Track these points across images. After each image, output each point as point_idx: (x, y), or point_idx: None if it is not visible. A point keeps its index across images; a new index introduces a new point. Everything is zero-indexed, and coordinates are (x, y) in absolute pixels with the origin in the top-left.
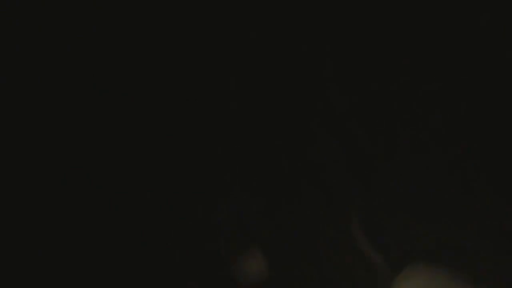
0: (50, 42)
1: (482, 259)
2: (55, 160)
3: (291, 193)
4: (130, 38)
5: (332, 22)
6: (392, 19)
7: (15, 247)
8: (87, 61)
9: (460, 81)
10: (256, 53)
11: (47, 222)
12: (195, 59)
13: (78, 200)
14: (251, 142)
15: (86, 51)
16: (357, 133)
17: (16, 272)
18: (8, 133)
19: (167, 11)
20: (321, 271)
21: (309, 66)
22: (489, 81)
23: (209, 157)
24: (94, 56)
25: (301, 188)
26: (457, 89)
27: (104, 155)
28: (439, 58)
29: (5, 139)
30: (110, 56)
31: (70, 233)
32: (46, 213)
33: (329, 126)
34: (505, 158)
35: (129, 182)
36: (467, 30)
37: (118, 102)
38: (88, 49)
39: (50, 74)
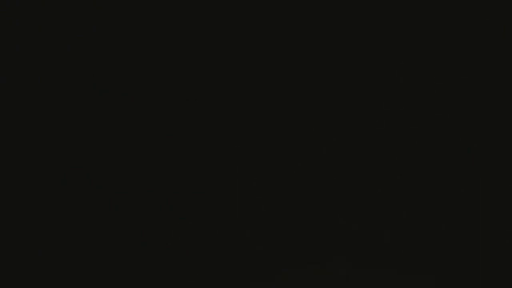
0: (50, 42)
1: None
2: (55, 160)
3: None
4: (130, 38)
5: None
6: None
7: (15, 247)
8: (87, 61)
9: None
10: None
11: (47, 222)
12: (195, 59)
13: (78, 200)
14: (251, 143)
15: (86, 51)
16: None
17: (16, 272)
18: (8, 133)
19: (167, 11)
20: None
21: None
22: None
23: (210, 158)
24: (94, 56)
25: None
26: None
27: (104, 155)
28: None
29: (5, 139)
30: (110, 56)
31: (70, 233)
32: (46, 213)
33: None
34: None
35: (129, 182)
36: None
37: (118, 102)
38: (88, 49)
39: (50, 74)
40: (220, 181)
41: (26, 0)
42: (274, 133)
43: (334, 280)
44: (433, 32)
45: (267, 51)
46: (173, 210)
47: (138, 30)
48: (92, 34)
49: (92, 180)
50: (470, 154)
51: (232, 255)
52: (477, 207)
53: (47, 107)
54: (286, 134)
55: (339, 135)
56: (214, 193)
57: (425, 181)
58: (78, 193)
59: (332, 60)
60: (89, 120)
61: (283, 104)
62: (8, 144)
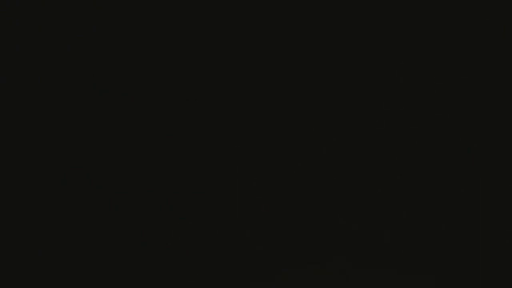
0: (50, 42)
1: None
2: (55, 160)
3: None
4: (130, 38)
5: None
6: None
7: (15, 247)
8: (87, 61)
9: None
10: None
11: (47, 222)
12: (195, 59)
13: (78, 200)
14: (251, 143)
15: (86, 51)
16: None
17: (16, 272)
18: (8, 133)
19: (167, 11)
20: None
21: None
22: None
23: (210, 158)
24: (94, 56)
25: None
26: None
27: (104, 155)
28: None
29: (5, 139)
30: (110, 56)
31: (70, 233)
32: (46, 213)
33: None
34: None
35: (129, 182)
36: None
37: (118, 102)
38: (88, 49)
39: (50, 74)
40: (220, 181)
41: (26, 0)
42: (274, 133)
43: (334, 280)
44: (433, 32)
45: (267, 51)
46: (173, 210)
47: (138, 30)
48: (92, 34)
49: (92, 180)
50: (470, 154)
51: (232, 255)
52: (477, 207)
53: (47, 107)
54: (286, 134)
55: (339, 135)
56: (214, 193)
57: (425, 181)
58: (78, 193)
59: (332, 60)
60: (89, 120)
61: (283, 104)
62: (8, 144)
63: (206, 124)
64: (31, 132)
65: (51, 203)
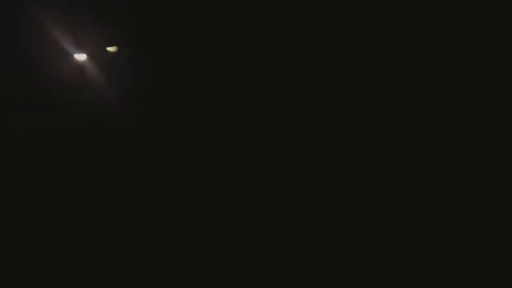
0: (48, 42)
1: None
2: (56, 161)
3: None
4: (130, 38)
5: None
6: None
7: (15, 247)
8: (87, 61)
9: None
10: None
11: (47, 222)
12: (196, 59)
13: (78, 200)
14: (251, 143)
15: (88, 51)
16: None
17: (16, 272)
18: (8, 133)
19: (168, 11)
20: None
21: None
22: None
23: (210, 158)
24: (94, 56)
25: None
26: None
27: (104, 155)
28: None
29: (5, 139)
30: (110, 56)
31: (70, 233)
32: (46, 213)
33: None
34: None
35: (129, 182)
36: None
37: (118, 102)
38: (91, 49)
39: (50, 74)
40: (220, 181)
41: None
42: (274, 134)
43: (332, 280)
44: (433, 32)
45: (268, 52)
46: (173, 210)
47: (138, 30)
48: (92, 34)
49: (92, 180)
50: (470, 154)
51: (232, 255)
52: (477, 207)
53: (46, 107)
54: (286, 134)
55: (339, 135)
56: (214, 193)
57: (425, 181)
58: (78, 193)
59: (332, 61)
60: (89, 120)
61: (283, 105)
62: (8, 144)
63: (206, 124)
64: (31, 132)
65: (51, 203)
